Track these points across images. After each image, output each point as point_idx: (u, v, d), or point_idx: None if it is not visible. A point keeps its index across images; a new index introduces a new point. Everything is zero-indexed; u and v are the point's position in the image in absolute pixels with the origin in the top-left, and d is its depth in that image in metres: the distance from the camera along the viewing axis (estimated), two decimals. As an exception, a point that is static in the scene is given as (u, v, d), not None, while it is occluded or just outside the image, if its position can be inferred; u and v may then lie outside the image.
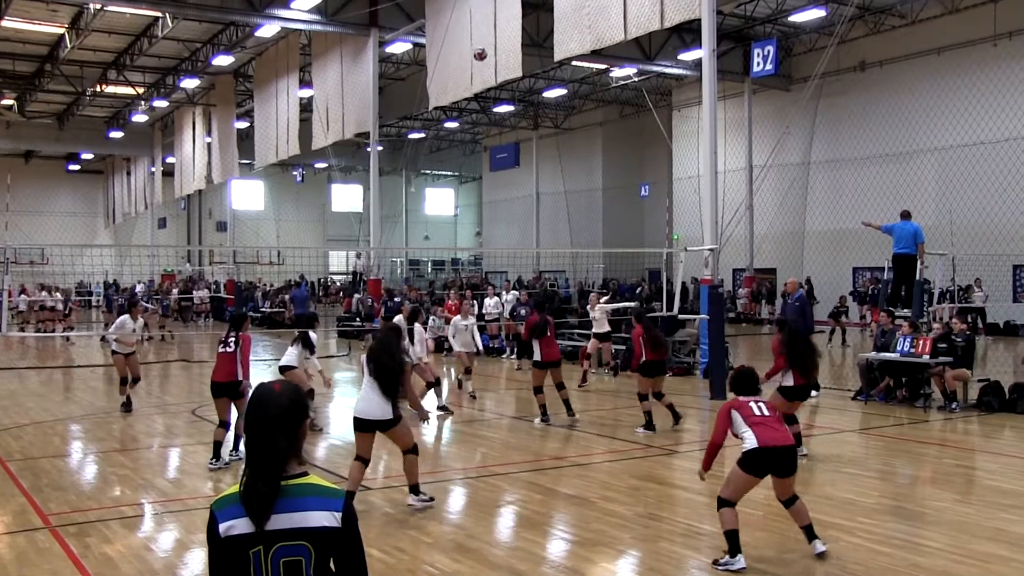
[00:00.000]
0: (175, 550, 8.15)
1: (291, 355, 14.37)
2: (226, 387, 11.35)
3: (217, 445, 11.24)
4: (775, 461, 7.39)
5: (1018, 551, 7.79)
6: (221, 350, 11.51)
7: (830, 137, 36.30)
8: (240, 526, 3.12)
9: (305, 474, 3.23)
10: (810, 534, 7.59)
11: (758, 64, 25.47)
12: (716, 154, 20.16)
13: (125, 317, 16.35)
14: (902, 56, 33.54)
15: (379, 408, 8.78)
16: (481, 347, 18.64)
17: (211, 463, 11.16)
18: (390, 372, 8.81)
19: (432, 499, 9.12)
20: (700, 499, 9.60)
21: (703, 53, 20.37)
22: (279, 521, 3.12)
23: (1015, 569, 7.34)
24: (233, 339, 11.45)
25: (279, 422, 3.20)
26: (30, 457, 12.06)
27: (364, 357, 9.19)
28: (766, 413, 7.58)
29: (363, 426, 8.89)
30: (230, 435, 11.49)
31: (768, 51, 24.99)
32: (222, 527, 3.14)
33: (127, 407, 15.65)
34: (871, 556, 7.60)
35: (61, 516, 9.03)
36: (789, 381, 10.87)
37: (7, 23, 32.27)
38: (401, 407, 8.95)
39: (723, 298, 20.24)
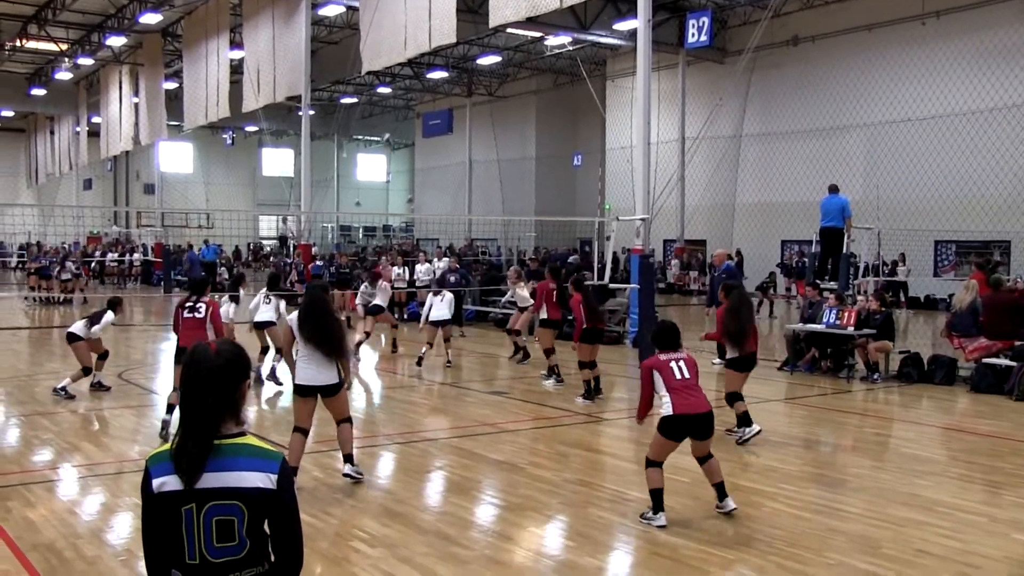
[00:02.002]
0: (100, 514, 8.06)
1: (267, 311, 14.35)
2: None
3: (171, 407, 10.85)
4: (691, 427, 7.66)
5: (931, 515, 8.03)
6: (188, 316, 11.23)
7: (762, 110, 36.65)
8: (172, 483, 3.11)
9: (243, 434, 3.21)
10: (721, 492, 7.87)
11: (693, 35, 25.56)
12: (649, 125, 20.25)
13: (111, 315, 14.23)
14: (834, 32, 33.88)
15: (324, 374, 8.53)
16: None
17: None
18: (329, 333, 8.57)
19: (362, 475, 8.92)
20: (627, 466, 9.71)
21: (638, 23, 20.40)
22: (212, 480, 3.10)
23: (928, 532, 7.56)
24: (203, 305, 11.30)
25: (212, 381, 3.17)
26: (-50, 420, 11.81)
27: (295, 322, 8.78)
28: (687, 375, 7.75)
29: (306, 391, 8.56)
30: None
31: (703, 22, 25.08)
32: (155, 483, 3.13)
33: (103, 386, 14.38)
34: (792, 522, 7.79)
35: (-19, 480, 8.86)
36: (735, 353, 10.85)
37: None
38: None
39: (654, 268, 20.40)
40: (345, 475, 8.88)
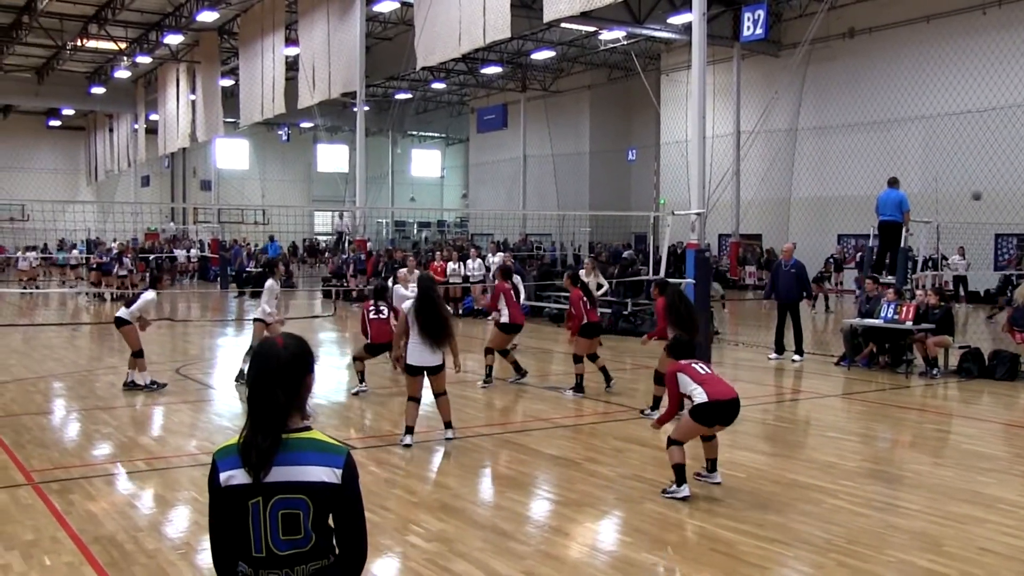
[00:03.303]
0: (159, 507, 8.14)
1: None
2: (384, 347, 13.20)
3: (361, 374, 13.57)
4: (723, 413, 8.21)
5: (992, 512, 7.89)
6: (373, 317, 13.48)
7: (818, 104, 36.19)
8: (239, 476, 3.15)
9: (308, 428, 3.24)
10: (712, 466, 8.67)
11: (748, 28, 25.32)
12: (704, 119, 20.08)
13: (151, 293, 14.40)
14: (891, 23, 33.36)
15: (431, 356, 10.05)
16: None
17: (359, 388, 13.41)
18: (441, 324, 9.96)
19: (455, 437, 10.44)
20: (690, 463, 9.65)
21: (693, 17, 20.21)
22: (278, 474, 3.13)
23: (989, 529, 7.43)
24: (385, 306, 13.72)
25: (280, 376, 3.19)
26: (11, 414, 12.03)
27: (412, 312, 10.05)
28: (708, 371, 8.40)
29: (415, 371, 10.10)
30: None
31: (758, 16, 24.83)
32: (222, 476, 3.18)
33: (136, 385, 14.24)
34: (851, 518, 7.69)
35: (44, 473, 9.01)
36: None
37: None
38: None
39: (709, 262, 20.23)
40: (447, 439, 10.37)
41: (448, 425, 10.41)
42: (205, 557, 6.78)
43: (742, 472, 8.94)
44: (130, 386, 13.79)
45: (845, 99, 35.08)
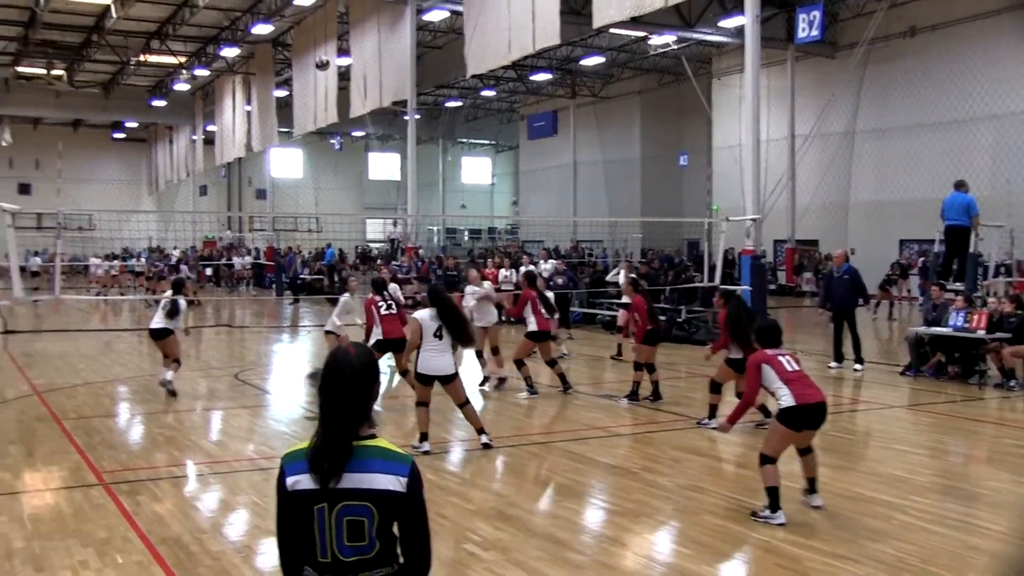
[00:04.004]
0: (220, 510, 8.30)
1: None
2: (395, 343, 12.83)
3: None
4: (811, 416, 7.67)
5: (1081, 533, 7.48)
6: (385, 312, 12.98)
7: (877, 105, 35.50)
8: (306, 481, 3.18)
9: (373, 436, 3.27)
10: (812, 487, 8.04)
11: (803, 30, 25.02)
12: (759, 123, 19.95)
13: (183, 301, 14.80)
14: (955, 20, 32.43)
15: (444, 365, 10.08)
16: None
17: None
18: (464, 326, 10.19)
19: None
20: (742, 472, 9.56)
21: (746, 19, 20.13)
22: (345, 480, 3.16)
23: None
24: (392, 300, 13.28)
25: (352, 384, 3.24)
26: (83, 416, 12.33)
27: (426, 317, 10.08)
28: (796, 368, 7.82)
29: (427, 380, 10.14)
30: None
31: (814, 16, 24.53)
32: (289, 481, 3.21)
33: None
34: (925, 536, 7.39)
35: (114, 474, 9.23)
36: (736, 354, 11.26)
37: (57, -6, 32.73)
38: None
39: (765, 269, 20.05)
40: (484, 444, 10.30)
41: (481, 431, 10.38)
42: (266, 560, 6.89)
43: (805, 484, 8.80)
44: (169, 384, 13.90)
45: (907, 100, 34.26)
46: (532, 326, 14.28)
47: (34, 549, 7.00)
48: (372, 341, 12.91)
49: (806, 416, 7.66)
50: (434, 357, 10.04)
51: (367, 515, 3.16)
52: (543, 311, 14.46)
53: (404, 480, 3.20)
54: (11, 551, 6.97)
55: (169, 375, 13.90)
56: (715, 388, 11.74)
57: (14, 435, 11.14)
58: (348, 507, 3.16)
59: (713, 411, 11.60)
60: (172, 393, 13.76)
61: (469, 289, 15.82)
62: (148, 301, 32.21)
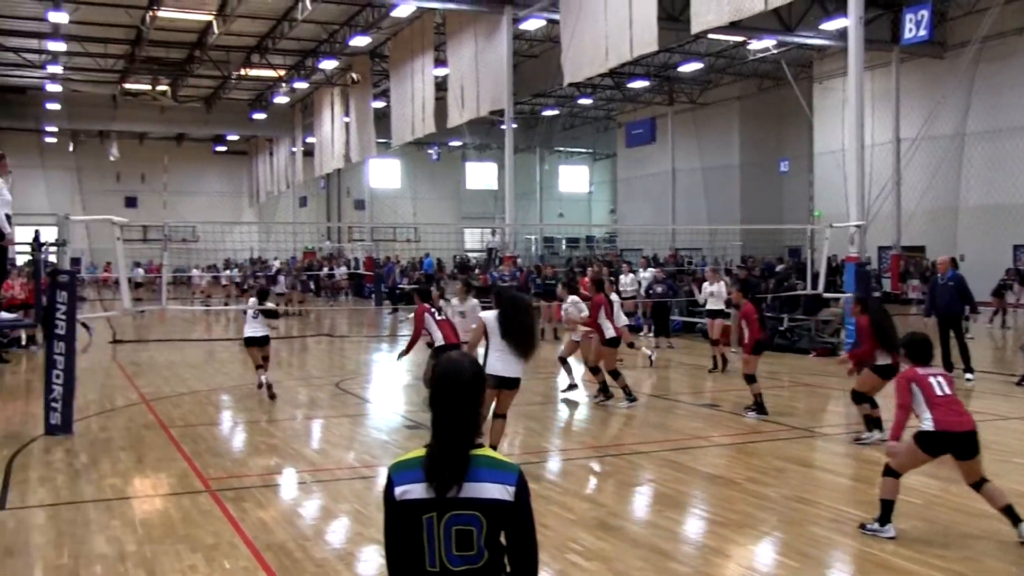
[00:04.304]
0: (323, 517, 8.37)
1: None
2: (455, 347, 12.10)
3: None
4: (953, 445, 7.20)
5: None
6: (440, 318, 12.36)
7: (989, 106, 34.31)
8: (415, 491, 3.17)
9: (481, 446, 3.26)
10: (1013, 516, 7.19)
11: (910, 30, 24.36)
12: (862, 127, 19.53)
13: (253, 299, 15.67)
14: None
15: (517, 367, 9.58)
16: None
17: None
18: (531, 332, 9.51)
19: None
20: (848, 483, 9.35)
21: (849, 21, 19.74)
22: (453, 490, 3.15)
23: None
24: (443, 309, 12.96)
25: (467, 393, 3.25)
26: (189, 425, 12.63)
27: (492, 319, 9.57)
28: (947, 392, 7.34)
29: (509, 383, 9.58)
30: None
31: (921, 16, 23.85)
32: (398, 491, 3.20)
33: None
34: (1055, 554, 7.03)
35: (219, 481, 9.43)
36: (884, 359, 10.72)
37: (163, 13, 33.73)
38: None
39: (869, 276, 19.60)
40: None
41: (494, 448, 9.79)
42: (368, 567, 6.99)
43: (917, 498, 8.50)
44: (271, 388, 14.54)
45: (1021, 99, 33.17)
46: (609, 331, 13.84)
47: (145, 553, 7.17)
48: (431, 348, 12.51)
49: (946, 443, 7.20)
50: (499, 360, 9.49)
51: (476, 524, 3.15)
52: (614, 317, 14.23)
53: (512, 489, 3.18)
54: (124, 554, 7.16)
55: (264, 377, 14.54)
56: (860, 398, 11.04)
57: (124, 442, 11.43)
58: (457, 516, 3.15)
59: (871, 423, 10.96)
60: (274, 396, 14.23)
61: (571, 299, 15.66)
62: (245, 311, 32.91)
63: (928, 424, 7.18)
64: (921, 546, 7.25)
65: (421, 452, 3.24)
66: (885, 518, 7.33)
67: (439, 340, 12.20)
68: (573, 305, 15.13)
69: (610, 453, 10.82)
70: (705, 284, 19.24)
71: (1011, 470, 9.86)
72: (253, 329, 14.78)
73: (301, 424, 12.98)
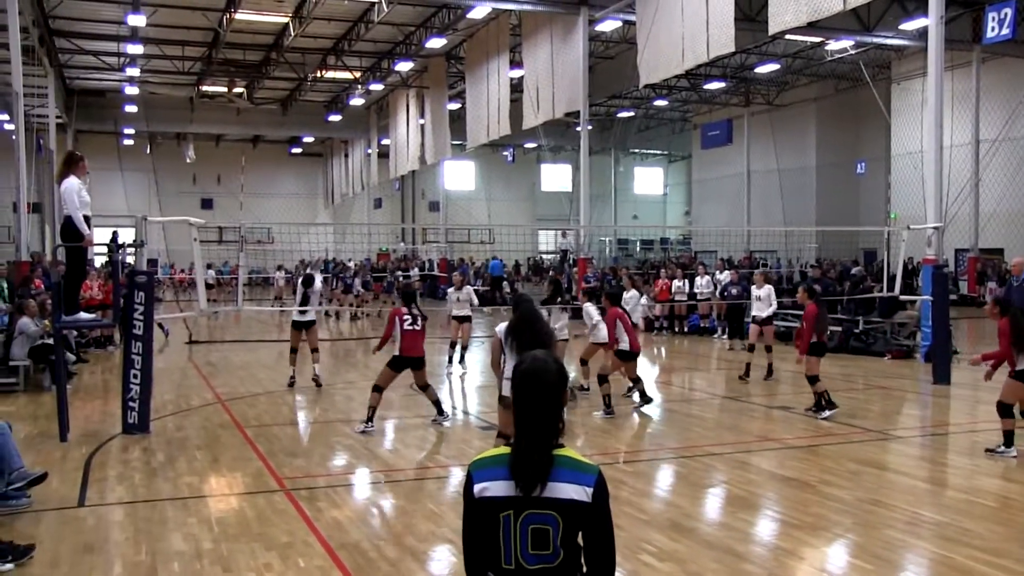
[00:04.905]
0: (397, 516, 8.44)
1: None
2: (411, 361, 12.32)
3: (372, 410, 12.13)
4: None
5: None
6: (408, 328, 12.25)
7: (1071, 107, 33.75)
8: (494, 488, 3.21)
9: (562, 445, 3.28)
10: None
11: (992, 29, 23.90)
12: (941, 128, 19.25)
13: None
14: None
15: None
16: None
17: (365, 426, 12.03)
18: (543, 344, 8.31)
19: None
20: (922, 486, 9.28)
21: (930, 20, 19.46)
22: (535, 488, 3.18)
23: None
24: (419, 317, 12.39)
25: (552, 392, 3.28)
26: (264, 424, 12.84)
27: (504, 331, 8.86)
28: None
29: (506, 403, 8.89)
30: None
31: (1005, 14, 23.37)
32: (476, 488, 3.24)
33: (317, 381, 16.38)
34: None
35: (294, 480, 9.58)
36: (1022, 364, 10.36)
37: (240, 15, 34.15)
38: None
39: (947, 279, 19.31)
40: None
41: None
42: (442, 566, 7.09)
43: (993, 501, 8.44)
44: (319, 378, 16.21)
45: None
46: (624, 344, 13.62)
47: (221, 551, 7.32)
48: (387, 362, 12.44)
49: None
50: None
51: (552, 524, 3.18)
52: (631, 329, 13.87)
53: (590, 491, 3.19)
54: (200, 551, 7.31)
55: (317, 368, 16.08)
56: (1006, 411, 10.48)
57: (200, 441, 11.66)
58: (533, 515, 3.18)
59: (1009, 438, 10.47)
60: (319, 384, 15.83)
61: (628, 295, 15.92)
62: (328, 312, 33.28)
63: None
64: (997, 549, 7.23)
65: (501, 450, 3.29)
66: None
67: (398, 349, 12.23)
68: (584, 313, 15.17)
69: (684, 455, 10.83)
70: (753, 288, 18.22)
71: None
72: (300, 314, 16.36)
73: (375, 425, 13.12)
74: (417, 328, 12.29)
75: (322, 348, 17.66)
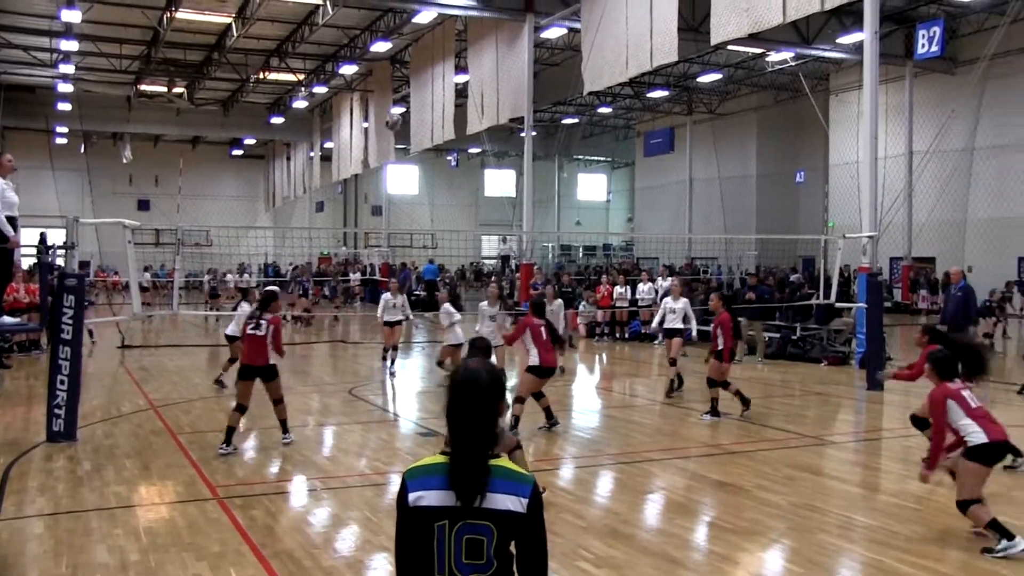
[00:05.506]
0: (333, 525, 8.40)
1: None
2: (258, 371, 11.34)
3: (230, 430, 11.14)
4: (1003, 453, 7.57)
5: None
6: (251, 332, 11.37)
7: (997, 121, 34.65)
8: (429, 498, 3.19)
9: (497, 456, 3.27)
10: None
11: (922, 46, 24.55)
12: (876, 140, 19.61)
13: (245, 303, 16.61)
14: (1078, 35, 31.55)
15: None
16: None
17: (221, 448, 11.00)
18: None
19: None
20: (856, 491, 9.44)
21: (865, 36, 19.80)
22: (478, 500, 3.17)
23: None
24: (264, 322, 11.33)
25: (485, 401, 3.25)
26: (198, 431, 12.61)
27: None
28: (980, 404, 7.57)
29: None
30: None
31: (934, 32, 24.03)
32: (411, 496, 3.22)
33: (222, 385, 16.41)
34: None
35: (228, 488, 9.43)
36: None
37: (180, 14, 33.64)
38: None
39: (881, 286, 19.68)
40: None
41: None
42: (378, 575, 7.04)
43: (921, 505, 8.64)
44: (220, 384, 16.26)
45: (1028, 116, 33.42)
46: (534, 359, 12.12)
47: (149, 562, 7.16)
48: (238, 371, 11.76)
49: (1000, 452, 7.52)
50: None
51: (487, 534, 3.17)
52: (548, 342, 12.29)
53: (525, 501, 3.19)
54: (126, 563, 7.13)
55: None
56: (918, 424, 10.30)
57: (130, 449, 11.37)
58: (468, 525, 3.17)
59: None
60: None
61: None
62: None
63: (979, 437, 7.36)
64: (922, 550, 7.43)
65: (437, 459, 3.26)
66: (1007, 534, 7.26)
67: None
68: (443, 312, 16.32)
69: (622, 461, 10.93)
70: (667, 299, 17.34)
71: (1016, 478, 10.05)
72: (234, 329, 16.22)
73: (313, 431, 13.01)
74: (260, 334, 11.30)
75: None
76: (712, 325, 13.92)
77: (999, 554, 7.19)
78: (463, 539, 3.18)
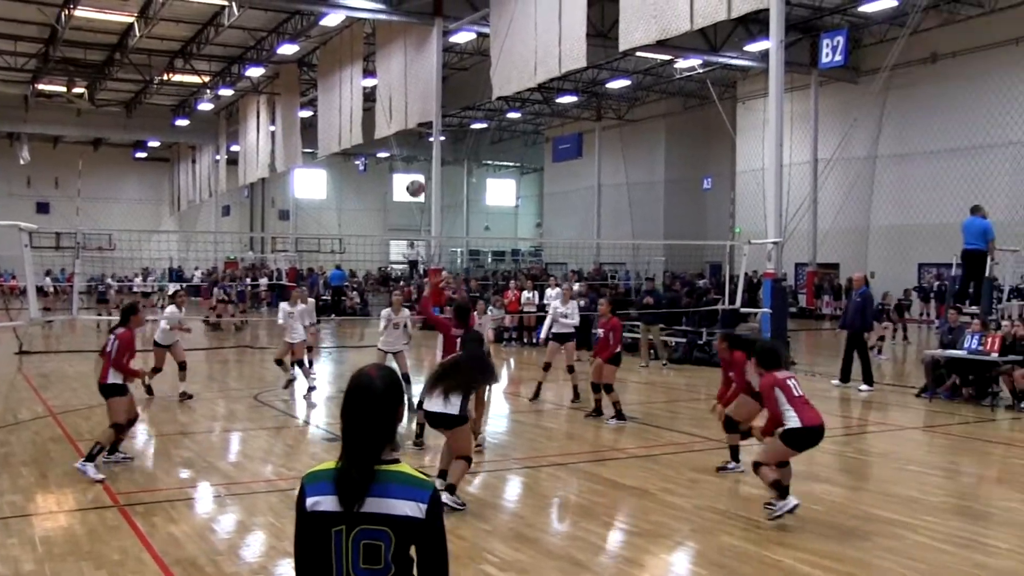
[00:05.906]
0: (237, 531, 8.27)
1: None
2: (102, 389, 10.51)
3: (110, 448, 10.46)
4: (815, 439, 8.25)
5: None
6: (108, 349, 10.45)
7: (898, 130, 35.60)
8: (326, 503, 3.15)
9: (397, 461, 3.22)
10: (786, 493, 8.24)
11: (827, 55, 25.08)
12: (782, 147, 19.95)
13: (172, 307, 16.85)
14: (977, 47, 32.53)
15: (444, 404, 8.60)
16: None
17: (107, 458, 10.42)
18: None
19: (464, 505, 8.74)
20: (760, 492, 9.51)
21: (771, 44, 20.16)
22: (365, 504, 3.12)
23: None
24: (112, 337, 10.46)
25: (375, 407, 3.20)
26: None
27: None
28: (801, 392, 8.28)
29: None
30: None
31: (837, 42, 24.59)
32: (309, 501, 3.18)
33: (151, 392, 15.93)
34: (935, 555, 7.50)
35: (129, 496, 9.21)
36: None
37: (80, 12, 32.73)
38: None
39: (786, 292, 20.03)
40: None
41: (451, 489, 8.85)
42: (281, 582, 6.88)
43: (820, 505, 8.79)
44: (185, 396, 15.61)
45: (927, 125, 34.40)
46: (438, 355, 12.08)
47: (45, 572, 6.96)
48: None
49: (810, 437, 8.19)
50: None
51: (384, 539, 3.13)
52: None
53: (424, 507, 3.15)
54: (20, 574, 6.92)
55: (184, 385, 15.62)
56: (731, 426, 10.44)
57: (27, 457, 11.05)
58: (366, 531, 3.13)
59: (734, 452, 10.56)
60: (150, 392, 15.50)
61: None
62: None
63: (794, 422, 8.09)
64: (822, 550, 7.53)
65: (333, 464, 3.22)
66: (783, 492, 8.20)
67: None
68: (280, 311, 16.69)
69: (528, 465, 10.90)
70: (556, 303, 17.01)
71: (906, 477, 10.49)
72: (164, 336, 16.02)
73: (218, 437, 12.82)
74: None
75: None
76: (602, 329, 14.09)
77: (776, 513, 8.15)
78: (360, 544, 3.13)
